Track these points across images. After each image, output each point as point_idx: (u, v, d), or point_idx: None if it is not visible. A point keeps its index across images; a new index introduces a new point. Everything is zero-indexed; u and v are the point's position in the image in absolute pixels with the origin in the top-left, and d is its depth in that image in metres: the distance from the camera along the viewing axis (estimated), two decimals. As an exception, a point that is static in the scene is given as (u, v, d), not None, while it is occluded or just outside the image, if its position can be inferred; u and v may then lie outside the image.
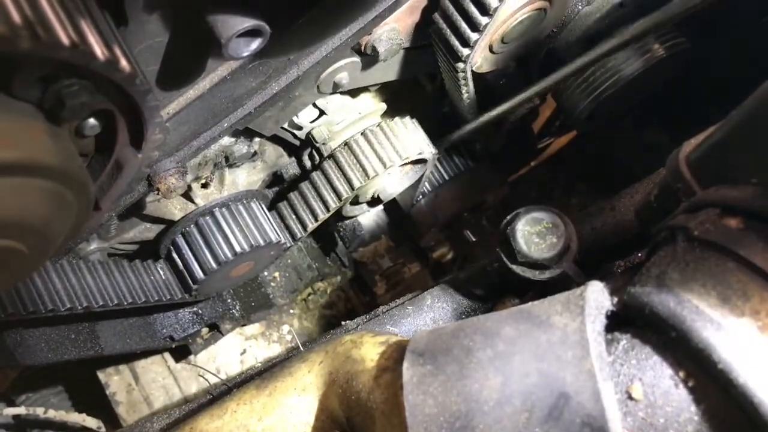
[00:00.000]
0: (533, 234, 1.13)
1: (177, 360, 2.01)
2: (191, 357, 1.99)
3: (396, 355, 1.03)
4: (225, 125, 1.27)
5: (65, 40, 0.71)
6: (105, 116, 0.89)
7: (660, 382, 0.81)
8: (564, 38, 1.53)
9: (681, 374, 0.79)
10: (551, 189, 2.52)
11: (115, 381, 1.99)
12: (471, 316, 1.33)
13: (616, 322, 0.89)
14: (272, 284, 2.11)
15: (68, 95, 0.79)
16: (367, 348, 1.08)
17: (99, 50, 0.76)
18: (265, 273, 2.05)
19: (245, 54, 0.96)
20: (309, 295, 2.22)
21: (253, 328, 2.12)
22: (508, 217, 1.17)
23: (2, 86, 0.75)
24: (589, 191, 2.48)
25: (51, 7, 0.72)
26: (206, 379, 1.91)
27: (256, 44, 0.95)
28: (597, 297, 0.89)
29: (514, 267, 1.17)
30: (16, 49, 0.68)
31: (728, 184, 0.88)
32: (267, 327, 2.13)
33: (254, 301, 2.05)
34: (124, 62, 0.79)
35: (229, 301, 1.97)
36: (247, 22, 0.90)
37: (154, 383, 1.97)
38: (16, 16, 0.67)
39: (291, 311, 2.18)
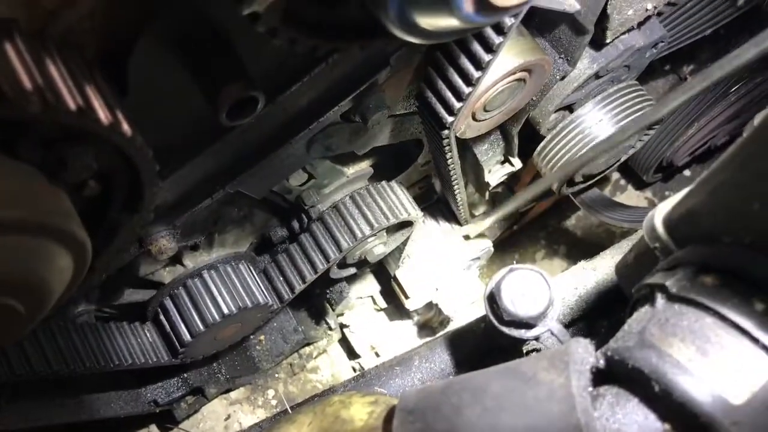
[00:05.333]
0: (518, 293, 1.16)
1: (161, 426, 1.97)
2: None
3: (385, 414, 1.03)
4: (218, 188, 1.30)
5: (72, 106, 0.75)
6: (104, 178, 0.92)
7: (645, 436, 0.82)
8: (543, 106, 1.60)
9: (666, 427, 0.81)
10: (534, 251, 2.57)
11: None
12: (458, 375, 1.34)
13: (601, 378, 0.91)
14: (258, 348, 2.10)
15: (70, 157, 0.82)
16: (356, 408, 1.08)
17: (103, 115, 0.79)
18: (251, 336, 2.04)
19: (240, 122, 1.00)
20: (295, 359, 2.20)
21: (238, 393, 2.10)
22: (494, 277, 1.20)
23: (7, 148, 0.78)
24: (570, 253, 2.53)
25: (59, 74, 0.76)
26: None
27: (251, 111, 0.99)
28: (581, 353, 0.91)
29: (500, 326, 1.19)
30: (26, 114, 0.71)
31: (702, 242, 0.92)
32: (252, 391, 2.11)
33: (239, 365, 2.04)
34: (125, 126, 0.83)
35: (214, 364, 1.96)
36: (242, 91, 0.94)
37: (136, 450, 1.93)
38: (27, 83, 0.71)
39: (276, 375, 2.17)
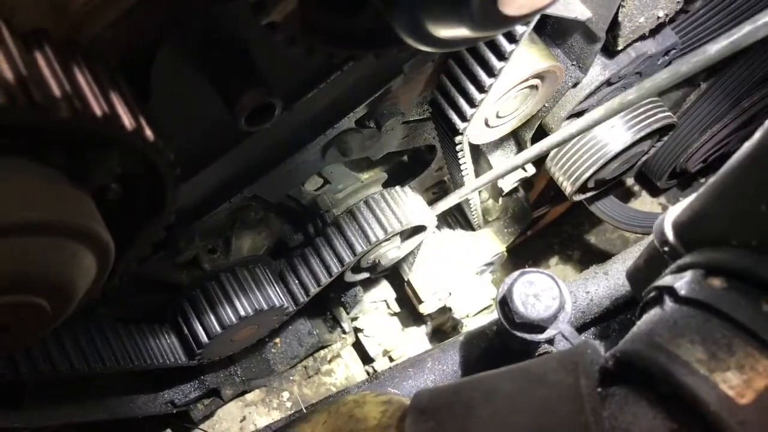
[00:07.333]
0: (530, 296, 1.17)
1: (177, 428, 2.00)
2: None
3: (398, 413, 1.05)
4: (236, 192, 1.33)
5: (98, 112, 0.78)
6: (127, 181, 0.95)
7: (653, 435, 0.83)
8: (555, 113, 1.62)
9: (673, 426, 0.82)
10: (548, 257, 2.58)
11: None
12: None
13: (610, 379, 0.92)
14: (273, 350, 2.13)
15: (94, 161, 0.85)
16: (370, 407, 1.10)
17: (127, 120, 0.82)
18: (267, 339, 2.07)
19: (258, 128, 1.02)
20: (309, 361, 2.23)
21: (253, 395, 2.13)
22: (506, 281, 1.21)
23: (33, 152, 0.81)
24: (584, 259, 2.53)
25: (86, 81, 0.79)
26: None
27: (269, 117, 1.02)
28: (591, 354, 0.92)
29: (511, 329, 1.21)
30: (55, 120, 0.74)
31: (711, 246, 0.93)
32: (267, 393, 2.13)
33: (255, 367, 2.07)
34: (148, 131, 0.86)
35: (230, 366, 1.99)
36: (260, 98, 0.97)
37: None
38: (56, 90, 0.74)
39: (291, 378, 2.19)
